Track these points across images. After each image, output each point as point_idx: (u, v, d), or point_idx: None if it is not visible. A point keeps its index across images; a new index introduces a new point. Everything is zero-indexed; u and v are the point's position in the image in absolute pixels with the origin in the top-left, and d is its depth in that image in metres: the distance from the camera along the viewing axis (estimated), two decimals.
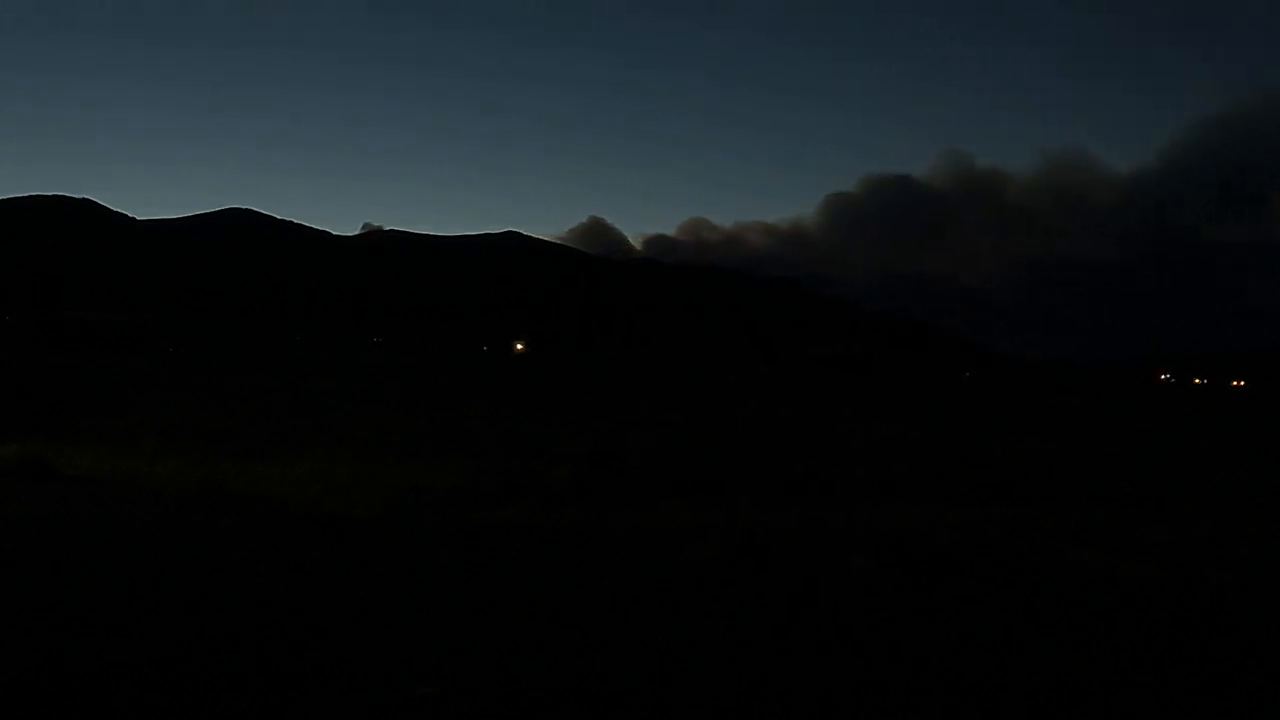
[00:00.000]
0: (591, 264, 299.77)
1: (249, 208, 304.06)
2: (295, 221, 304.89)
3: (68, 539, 9.26)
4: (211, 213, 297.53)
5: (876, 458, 20.87)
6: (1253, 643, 6.56)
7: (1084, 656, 6.03)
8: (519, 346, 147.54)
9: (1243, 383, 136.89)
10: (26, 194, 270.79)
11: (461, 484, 14.61)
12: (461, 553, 9.22)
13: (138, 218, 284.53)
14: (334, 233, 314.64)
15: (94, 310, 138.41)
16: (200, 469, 15.06)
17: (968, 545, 9.91)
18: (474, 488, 14.39)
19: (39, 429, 19.39)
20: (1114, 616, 7.15)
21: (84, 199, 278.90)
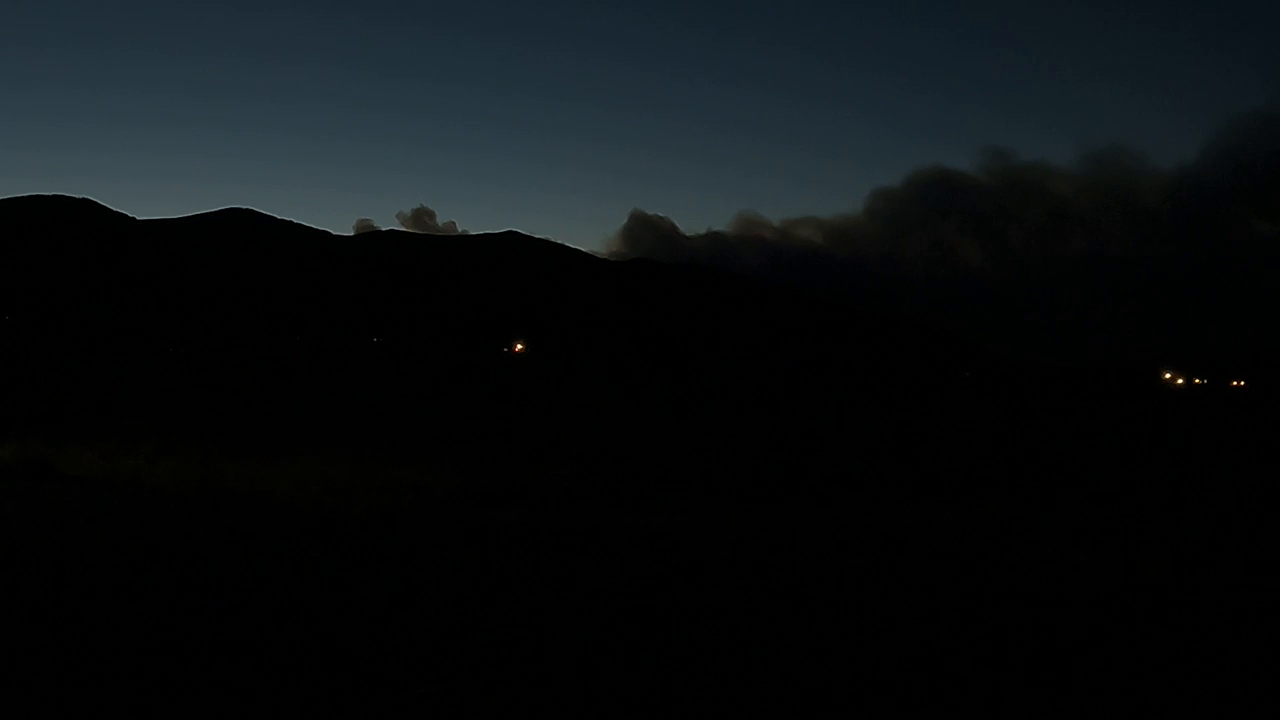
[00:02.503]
0: (591, 264, 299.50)
1: (249, 208, 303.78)
2: (296, 222, 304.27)
3: (67, 539, 9.25)
4: (211, 213, 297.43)
5: (876, 458, 20.87)
6: (1253, 643, 6.55)
7: (1084, 657, 6.03)
8: (519, 347, 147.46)
9: (1242, 383, 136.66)
10: (26, 194, 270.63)
11: (461, 484, 14.61)
12: (461, 553, 9.22)
13: (138, 218, 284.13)
14: (333, 233, 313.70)
15: (94, 310, 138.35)
16: (200, 469, 15.05)
17: (966, 545, 9.91)
18: (474, 488, 14.39)
19: (39, 429, 19.38)
20: (1114, 617, 7.15)
21: (84, 199, 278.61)
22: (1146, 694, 5.38)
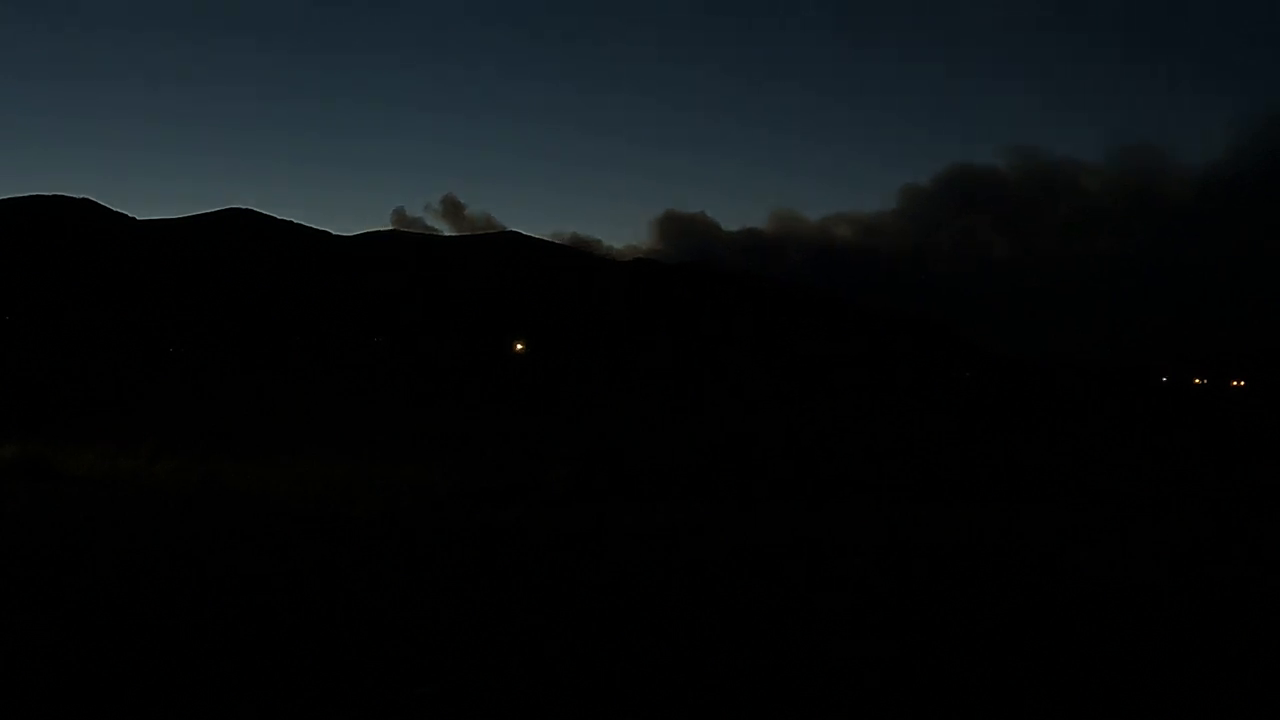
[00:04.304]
0: (590, 264, 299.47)
1: (249, 208, 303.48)
2: (297, 222, 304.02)
3: (67, 539, 9.26)
4: (211, 213, 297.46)
5: (875, 458, 20.87)
6: (1253, 643, 6.55)
7: (1084, 657, 6.03)
8: (519, 347, 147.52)
9: (1242, 383, 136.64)
10: (26, 194, 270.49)
11: (462, 483, 14.61)
12: (462, 552, 9.22)
13: (138, 218, 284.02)
14: (334, 233, 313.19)
15: (94, 310, 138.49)
16: (200, 469, 15.06)
17: (967, 545, 9.91)
18: (474, 487, 14.39)
19: (39, 429, 19.40)
20: (1113, 617, 7.15)
21: (84, 199, 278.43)
22: (1147, 693, 5.39)
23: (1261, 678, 5.74)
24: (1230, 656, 6.14)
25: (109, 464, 15.36)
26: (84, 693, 4.92)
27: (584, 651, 5.81)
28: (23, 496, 12.14)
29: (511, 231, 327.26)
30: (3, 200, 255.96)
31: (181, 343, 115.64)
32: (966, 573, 8.54)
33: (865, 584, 8.05)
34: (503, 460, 17.64)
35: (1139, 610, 7.35)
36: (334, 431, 22.82)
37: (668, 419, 33.00)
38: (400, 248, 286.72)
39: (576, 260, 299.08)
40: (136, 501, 12.20)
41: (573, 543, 9.88)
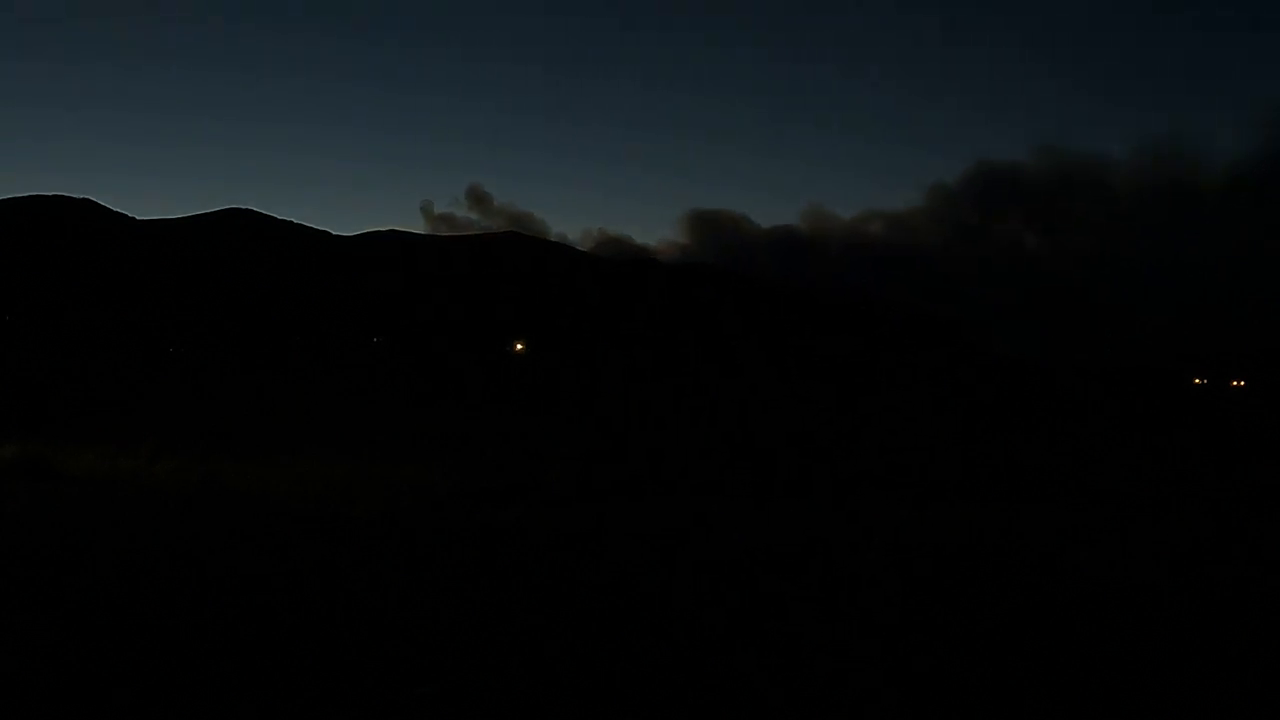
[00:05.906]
0: (592, 263, 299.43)
1: (249, 208, 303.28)
2: (297, 222, 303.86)
3: (67, 539, 9.26)
4: (211, 213, 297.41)
5: (876, 458, 20.86)
6: (1253, 643, 6.55)
7: (1084, 657, 6.03)
8: (519, 347, 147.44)
9: (1242, 383, 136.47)
10: (26, 194, 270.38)
11: (462, 483, 14.60)
12: (462, 552, 9.22)
13: (138, 218, 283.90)
14: (334, 233, 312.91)
15: (94, 310, 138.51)
16: (200, 469, 15.05)
17: (968, 545, 9.91)
18: (474, 487, 14.39)
19: (39, 429, 19.40)
20: (1113, 617, 7.15)
21: (84, 199, 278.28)
22: (1147, 693, 5.39)
23: (1261, 678, 5.74)
24: (1230, 656, 6.14)
25: (109, 464, 15.35)
26: (84, 693, 4.93)
27: (584, 651, 5.81)
28: (23, 496, 12.13)
29: (511, 231, 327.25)
30: (3, 200, 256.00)
31: (181, 343, 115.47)
32: (967, 573, 8.54)
33: (866, 584, 8.05)
34: (503, 460, 17.63)
35: (1139, 610, 7.35)
36: (334, 431, 22.81)
37: (670, 419, 32.99)
38: (400, 247, 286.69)
39: (580, 259, 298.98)
40: (136, 501, 12.20)
41: (573, 543, 9.88)
